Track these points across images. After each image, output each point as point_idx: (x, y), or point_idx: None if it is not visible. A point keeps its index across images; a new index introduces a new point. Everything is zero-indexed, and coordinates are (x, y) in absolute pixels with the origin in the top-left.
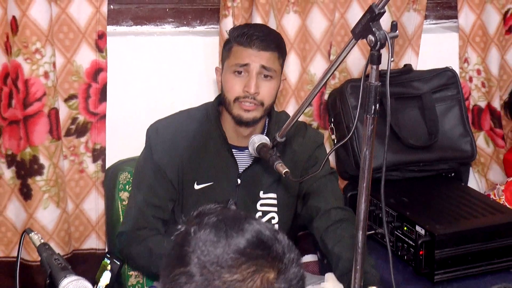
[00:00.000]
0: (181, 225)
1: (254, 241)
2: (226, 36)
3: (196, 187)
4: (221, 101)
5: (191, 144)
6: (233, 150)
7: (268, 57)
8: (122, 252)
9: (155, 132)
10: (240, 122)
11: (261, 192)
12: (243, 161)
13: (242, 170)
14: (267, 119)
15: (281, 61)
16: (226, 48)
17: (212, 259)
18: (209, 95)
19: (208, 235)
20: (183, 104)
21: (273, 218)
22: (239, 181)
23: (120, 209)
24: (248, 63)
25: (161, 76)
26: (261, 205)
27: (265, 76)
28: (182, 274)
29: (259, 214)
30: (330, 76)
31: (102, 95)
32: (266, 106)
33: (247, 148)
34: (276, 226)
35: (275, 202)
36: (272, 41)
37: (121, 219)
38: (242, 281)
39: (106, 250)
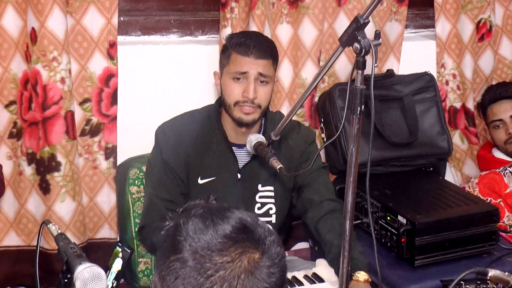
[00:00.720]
0: (169, 221)
1: (238, 226)
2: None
3: (200, 181)
4: (221, 103)
5: (195, 142)
6: (233, 147)
7: (264, 64)
8: (145, 244)
9: (163, 133)
10: (240, 124)
11: (260, 186)
12: (242, 157)
13: (241, 166)
14: (263, 118)
15: (274, 66)
16: (225, 55)
17: (203, 245)
18: (210, 98)
19: (197, 224)
20: (186, 106)
21: (271, 209)
22: (239, 175)
23: (130, 202)
24: (247, 71)
25: (166, 81)
26: (260, 197)
27: (262, 82)
28: (176, 261)
29: (258, 205)
30: (319, 80)
31: (114, 99)
32: (263, 108)
33: (245, 145)
34: (274, 216)
35: (272, 194)
36: (267, 50)
37: (131, 211)
38: (231, 262)
39: (118, 239)
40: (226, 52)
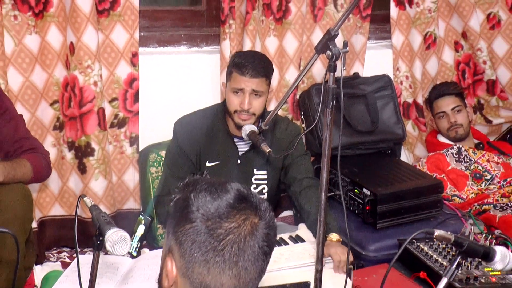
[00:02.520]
0: (174, 194)
1: (238, 197)
2: (226, 55)
3: (208, 164)
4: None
5: (205, 133)
6: (234, 138)
7: (257, 82)
8: (156, 211)
9: (180, 125)
10: (239, 127)
11: (255, 170)
12: (242, 147)
13: (241, 153)
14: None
15: (268, 82)
16: (228, 72)
17: (213, 214)
18: (213, 97)
19: (206, 198)
20: (193, 103)
21: (264, 188)
22: (239, 161)
23: (150, 180)
24: (243, 88)
25: (178, 83)
26: (255, 179)
27: (256, 95)
28: (191, 229)
29: (253, 186)
30: (300, 81)
31: (136, 98)
32: (257, 114)
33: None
34: (266, 195)
35: (265, 177)
36: (260, 70)
37: (151, 187)
38: (238, 227)
39: (141, 210)
40: (229, 69)
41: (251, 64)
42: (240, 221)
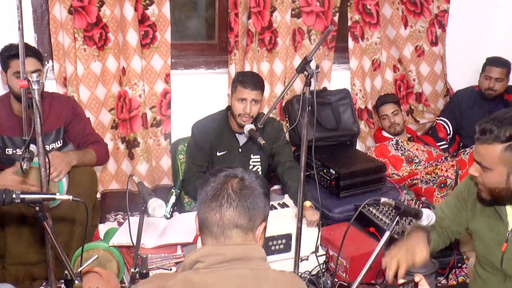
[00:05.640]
0: (207, 177)
1: (243, 176)
2: (232, 75)
3: (218, 154)
4: (229, 109)
5: (215, 132)
6: (236, 134)
7: (255, 93)
8: (185, 190)
9: (196, 127)
10: (241, 126)
11: (252, 155)
12: (241, 139)
13: (241, 144)
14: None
15: (262, 93)
16: (233, 86)
17: (240, 187)
18: (222, 105)
19: (233, 180)
20: (208, 110)
21: (259, 168)
22: (240, 150)
23: (178, 164)
24: (246, 98)
25: (197, 96)
26: (252, 161)
27: (254, 102)
28: (226, 201)
29: (251, 166)
30: (284, 93)
31: (168, 106)
32: (254, 116)
33: (243, 132)
34: (260, 173)
35: (259, 160)
36: (257, 85)
37: (180, 169)
38: (224, 189)
39: (172, 185)
40: (234, 84)
41: (251, 81)
42: (224, 185)
